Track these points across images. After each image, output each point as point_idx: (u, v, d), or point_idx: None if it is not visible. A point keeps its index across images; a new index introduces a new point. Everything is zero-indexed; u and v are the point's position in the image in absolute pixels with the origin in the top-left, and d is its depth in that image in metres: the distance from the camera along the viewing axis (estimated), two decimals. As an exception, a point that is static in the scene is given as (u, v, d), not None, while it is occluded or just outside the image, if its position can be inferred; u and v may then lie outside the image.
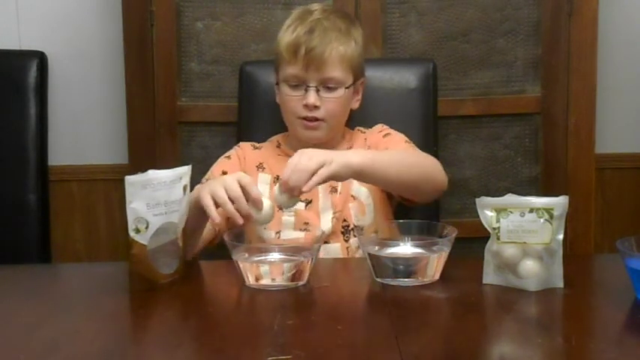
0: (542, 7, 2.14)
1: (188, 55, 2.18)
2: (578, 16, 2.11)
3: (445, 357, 1.11)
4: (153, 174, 1.37)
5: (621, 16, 2.33)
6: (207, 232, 1.63)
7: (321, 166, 1.44)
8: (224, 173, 1.75)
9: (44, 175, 2.15)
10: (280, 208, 1.54)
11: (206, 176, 1.77)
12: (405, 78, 1.97)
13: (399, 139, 1.79)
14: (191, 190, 1.46)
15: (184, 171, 1.41)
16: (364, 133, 1.84)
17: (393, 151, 1.71)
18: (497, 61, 2.17)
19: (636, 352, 1.12)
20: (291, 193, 1.44)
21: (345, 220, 1.72)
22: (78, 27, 2.34)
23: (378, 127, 1.83)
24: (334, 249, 1.71)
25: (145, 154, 2.16)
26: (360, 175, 1.52)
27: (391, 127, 1.87)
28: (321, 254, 1.68)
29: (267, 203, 1.44)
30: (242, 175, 1.47)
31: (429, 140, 1.94)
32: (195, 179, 1.49)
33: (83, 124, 2.39)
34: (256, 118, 1.98)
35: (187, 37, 2.18)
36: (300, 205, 1.70)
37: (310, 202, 1.72)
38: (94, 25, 2.33)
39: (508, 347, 1.17)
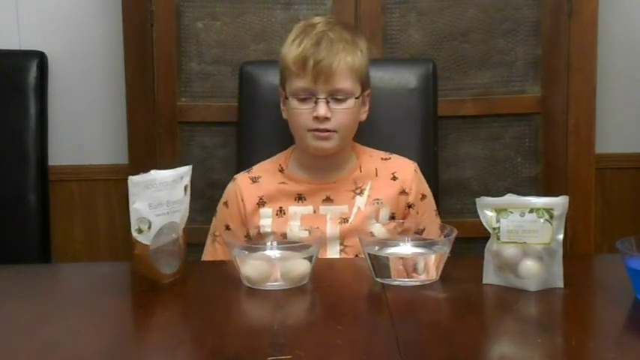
0: (542, 7, 2.14)
1: (188, 55, 2.18)
2: (578, 16, 2.11)
3: (445, 357, 1.11)
4: (156, 174, 1.37)
5: (621, 16, 2.32)
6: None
7: None
8: (227, 228, 1.73)
9: (44, 175, 2.14)
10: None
11: (211, 231, 1.77)
12: (405, 78, 1.97)
13: (431, 214, 1.78)
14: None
15: (185, 171, 1.41)
16: (387, 159, 1.79)
17: None
18: (497, 61, 2.17)
19: (636, 352, 1.12)
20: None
21: (357, 256, 1.67)
22: (78, 27, 2.34)
23: (412, 168, 1.78)
24: None
25: (145, 154, 2.16)
26: None
27: (391, 127, 1.87)
28: None
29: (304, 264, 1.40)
30: None
31: (429, 140, 1.94)
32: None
33: (83, 124, 2.38)
34: (256, 118, 1.98)
35: (187, 37, 2.18)
36: (304, 234, 1.65)
37: (317, 227, 1.66)
38: (94, 25, 2.33)
39: (508, 347, 1.17)
